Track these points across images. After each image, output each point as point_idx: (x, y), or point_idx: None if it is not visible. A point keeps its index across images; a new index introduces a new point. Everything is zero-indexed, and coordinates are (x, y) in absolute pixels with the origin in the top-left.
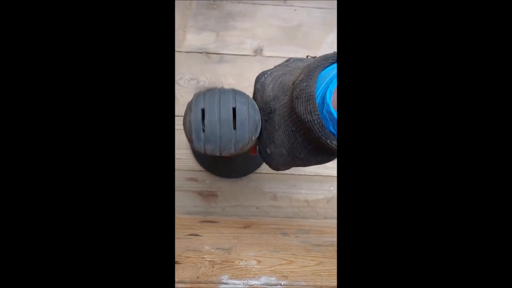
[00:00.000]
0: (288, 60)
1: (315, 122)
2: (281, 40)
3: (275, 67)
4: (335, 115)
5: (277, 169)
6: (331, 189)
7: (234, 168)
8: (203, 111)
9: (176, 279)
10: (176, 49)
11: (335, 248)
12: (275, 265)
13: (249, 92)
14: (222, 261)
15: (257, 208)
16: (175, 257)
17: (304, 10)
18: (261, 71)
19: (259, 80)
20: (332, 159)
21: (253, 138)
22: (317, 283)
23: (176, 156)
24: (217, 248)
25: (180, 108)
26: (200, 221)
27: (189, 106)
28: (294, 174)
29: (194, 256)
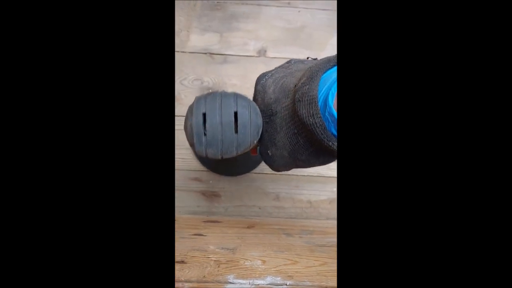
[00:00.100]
0: (289, 61)
1: (317, 124)
2: (285, 41)
3: (276, 68)
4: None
5: (278, 170)
6: (334, 190)
7: (234, 166)
8: (204, 115)
9: (182, 278)
10: (180, 49)
11: None
12: (280, 265)
13: (251, 93)
14: (228, 260)
15: (260, 208)
16: (181, 256)
17: (308, 11)
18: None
19: (260, 82)
20: (333, 161)
21: (255, 141)
22: (322, 283)
23: (179, 156)
24: (222, 248)
25: (183, 109)
26: (204, 221)
27: (190, 110)
28: (297, 175)
29: (199, 256)
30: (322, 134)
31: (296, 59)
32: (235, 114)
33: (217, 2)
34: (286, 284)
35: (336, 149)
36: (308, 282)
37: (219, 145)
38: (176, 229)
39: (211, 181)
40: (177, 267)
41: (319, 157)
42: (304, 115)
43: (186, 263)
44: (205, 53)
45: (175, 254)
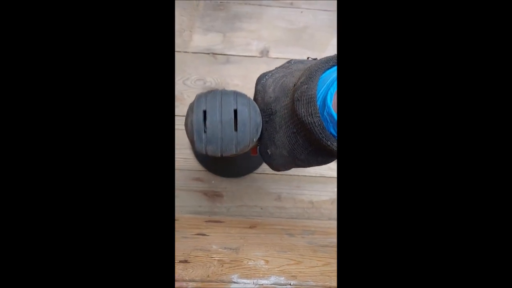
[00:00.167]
0: (289, 61)
1: (316, 124)
2: (287, 42)
3: (276, 68)
4: (336, 117)
5: (278, 170)
6: (335, 191)
7: (234, 167)
8: (204, 112)
9: (187, 278)
10: (183, 49)
11: None
12: (283, 265)
13: (253, 93)
14: (231, 260)
15: (261, 208)
16: (184, 256)
17: (310, 12)
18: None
19: (260, 82)
20: (332, 161)
21: (254, 139)
22: (326, 283)
23: (182, 156)
24: (225, 248)
25: (186, 109)
26: (206, 221)
27: (191, 108)
28: (298, 175)
29: (202, 256)
30: (320, 133)
31: (296, 59)
32: (235, 111)
33: (220, 2)
34: (290, 284)
35: (334, 148)
36: (312, 282)
37: (219, 142)
38: (178, 229)
39: (213, 181)
40: (180, 266)
41: (318, 157)
42: (303, 114)
43: (189, 262)
44: (208, 53)
45: (178, 254)
